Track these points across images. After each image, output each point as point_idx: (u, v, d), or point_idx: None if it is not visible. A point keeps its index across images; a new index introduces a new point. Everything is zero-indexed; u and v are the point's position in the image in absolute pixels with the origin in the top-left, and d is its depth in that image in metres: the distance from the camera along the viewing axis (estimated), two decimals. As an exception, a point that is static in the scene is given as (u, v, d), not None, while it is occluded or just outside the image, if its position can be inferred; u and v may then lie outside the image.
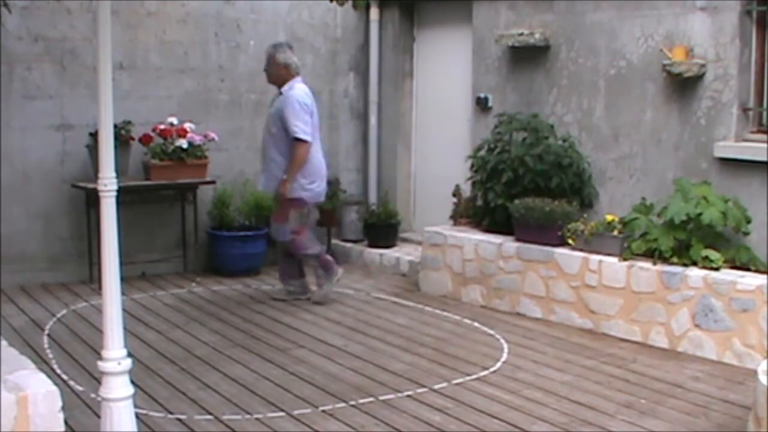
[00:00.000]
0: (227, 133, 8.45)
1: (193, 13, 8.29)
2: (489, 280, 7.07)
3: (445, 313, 6.95)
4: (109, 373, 3.69)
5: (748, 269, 5.89)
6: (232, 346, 6.10)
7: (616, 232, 6.37)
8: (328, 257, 7.28)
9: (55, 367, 5.53)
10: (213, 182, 8.21)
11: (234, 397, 5.10)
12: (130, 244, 6.99)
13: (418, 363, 5.75)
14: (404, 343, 6.20)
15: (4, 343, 3.78)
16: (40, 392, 3.28)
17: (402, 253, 8.45)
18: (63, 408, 3.35)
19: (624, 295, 6.23)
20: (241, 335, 6.36)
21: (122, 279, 3.79)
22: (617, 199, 7.02)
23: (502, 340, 6.24)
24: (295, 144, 6.85)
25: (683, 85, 6.53)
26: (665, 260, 6.06)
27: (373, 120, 9.21)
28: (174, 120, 7.92)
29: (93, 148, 7.19)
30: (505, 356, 5.90)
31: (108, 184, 3.69)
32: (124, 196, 4.26)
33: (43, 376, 3.45)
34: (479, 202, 7.49)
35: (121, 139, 7.37)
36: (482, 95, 8.06)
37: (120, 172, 4.22)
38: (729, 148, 6.30)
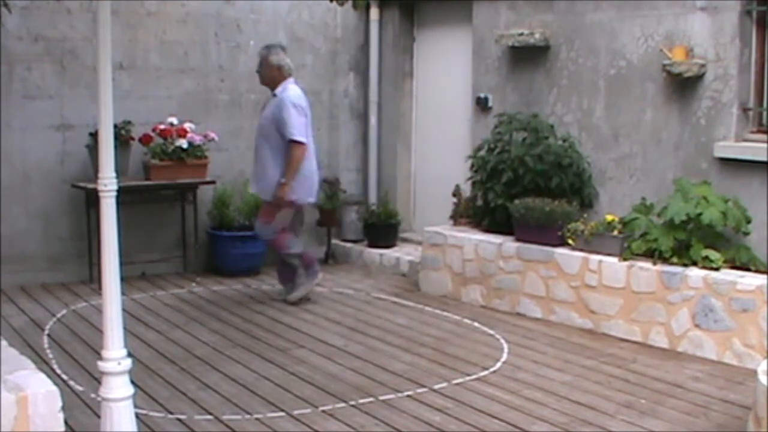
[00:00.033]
0: (227, 133, 8.45)
1: (193, 13, 8.29)
2: (489, 280, 7.07)
3: (445, 313, 6.95)
4: (109, 373, 3.69)
5: (748, 269, 5.89)
6: (232, 346, 6.10)
7: (616, 232, 6.37)
8: (312, 257, 7.22)
9: (55, 367, 5.53)
10: (213, 182, 8.21)
11: (234, 397, 5.10)
12: (130, 244, 6.99)
13: (418, 363, 5.75)
14: (404, 343, 6.20)
15: (4, 343, 3.78)
16: (40, 392, 3.28)
17: (402, 253, 8.45)
18: (63, 408, 3.35)
19: (624, 295, 6.23)
20: (241, 335, 6.36)
21: (122, 279, 3.79)
22: (617, 199, 7.02)
23: (502, 340, 6.24)
24: (291, 146, 6.81)
25: (683, 85, 6.53)
26: (665, 260, 6.06)
27: (373, 120, 9.21)
28: (174, 120, 7.92)
29: (93, 148, 7.19)
30: (505, 356, 5.90)
31: (108, 184, 3.69)
32: (124, 196, 4.26)
33: (43, 376, 3.44)
34: (479, 202, 7.49)
35: (121, 139, 7.37)
36: (482, 95, 8.06)
37: (120, 172, 4.22)
38: (729, 148, 6.30)
